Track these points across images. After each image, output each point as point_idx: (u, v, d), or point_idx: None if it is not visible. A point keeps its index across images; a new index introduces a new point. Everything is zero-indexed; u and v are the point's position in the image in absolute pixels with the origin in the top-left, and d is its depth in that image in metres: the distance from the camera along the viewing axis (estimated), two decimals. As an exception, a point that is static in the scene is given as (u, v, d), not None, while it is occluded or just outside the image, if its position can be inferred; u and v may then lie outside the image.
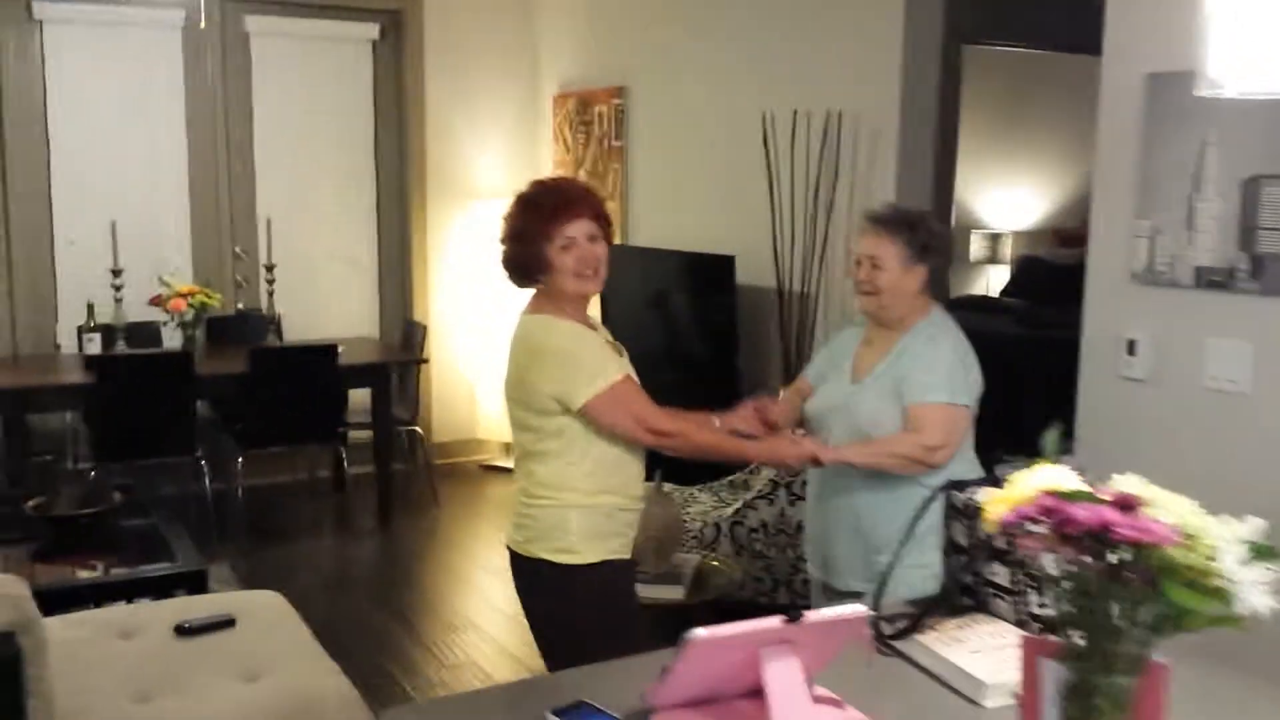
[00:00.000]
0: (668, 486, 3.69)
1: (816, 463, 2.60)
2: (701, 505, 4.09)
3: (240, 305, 6.21)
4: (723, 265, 4.73)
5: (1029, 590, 1.75)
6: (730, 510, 3.87)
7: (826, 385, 2.81)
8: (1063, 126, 8.10)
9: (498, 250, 2.54)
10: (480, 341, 6.75)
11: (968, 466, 2.66)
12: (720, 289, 4.75)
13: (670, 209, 5.61)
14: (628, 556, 2.61)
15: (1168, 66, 2.98)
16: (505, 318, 6.50)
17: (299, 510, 6.10)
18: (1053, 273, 7.58)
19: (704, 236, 5.14)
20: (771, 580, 3.90)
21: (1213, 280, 2.89)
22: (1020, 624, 1.79)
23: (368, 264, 6.77)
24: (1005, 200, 8.59)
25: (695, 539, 3.81)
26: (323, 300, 6.58)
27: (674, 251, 5.18)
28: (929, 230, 2.68)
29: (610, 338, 2.66)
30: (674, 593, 3.47)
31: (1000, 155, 8.30)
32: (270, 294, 5.66)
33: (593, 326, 2.60)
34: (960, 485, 1.89)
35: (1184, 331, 3.00)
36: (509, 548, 2.58)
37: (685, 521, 3.74)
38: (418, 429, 6.04)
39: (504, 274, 2.63)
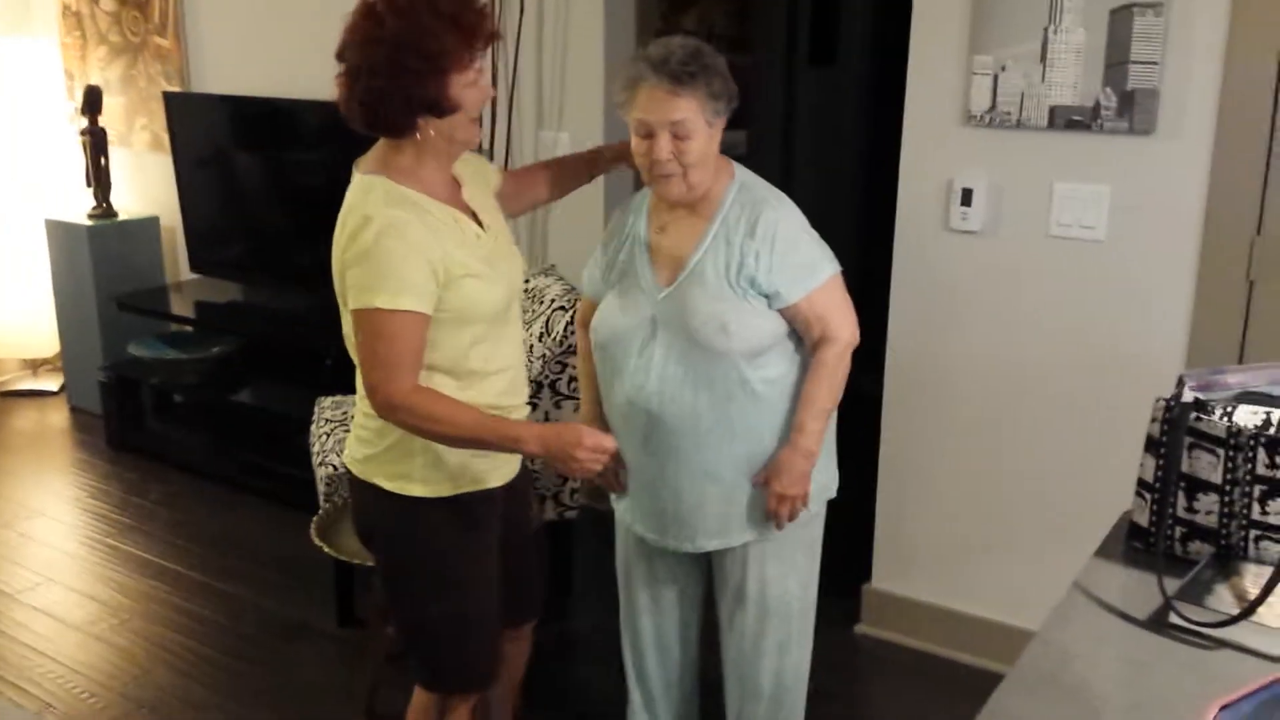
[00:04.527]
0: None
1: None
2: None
3: None
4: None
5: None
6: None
7: (623, 299, 2.16)
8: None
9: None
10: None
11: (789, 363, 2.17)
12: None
13: (289, 46, 4.42)
14: (490, 486, 2.06)
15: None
16: (11, 191, 5.03)
17: None
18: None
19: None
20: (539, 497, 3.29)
21: (1072, 120, 2.69)
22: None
23: None
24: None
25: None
26: None
27: (300, 101, 4.13)
28: (721, 68, 2.06)
29: (488, 202, 2.08)
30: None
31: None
32: None
33: (455, 185, 2.01)
34: (1204, 405, 1.48)
35: (1029, 177, 2.80)
36: (345, 464, 2.09)
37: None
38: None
39: (355, 119, 1.89)
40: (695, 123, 2.00)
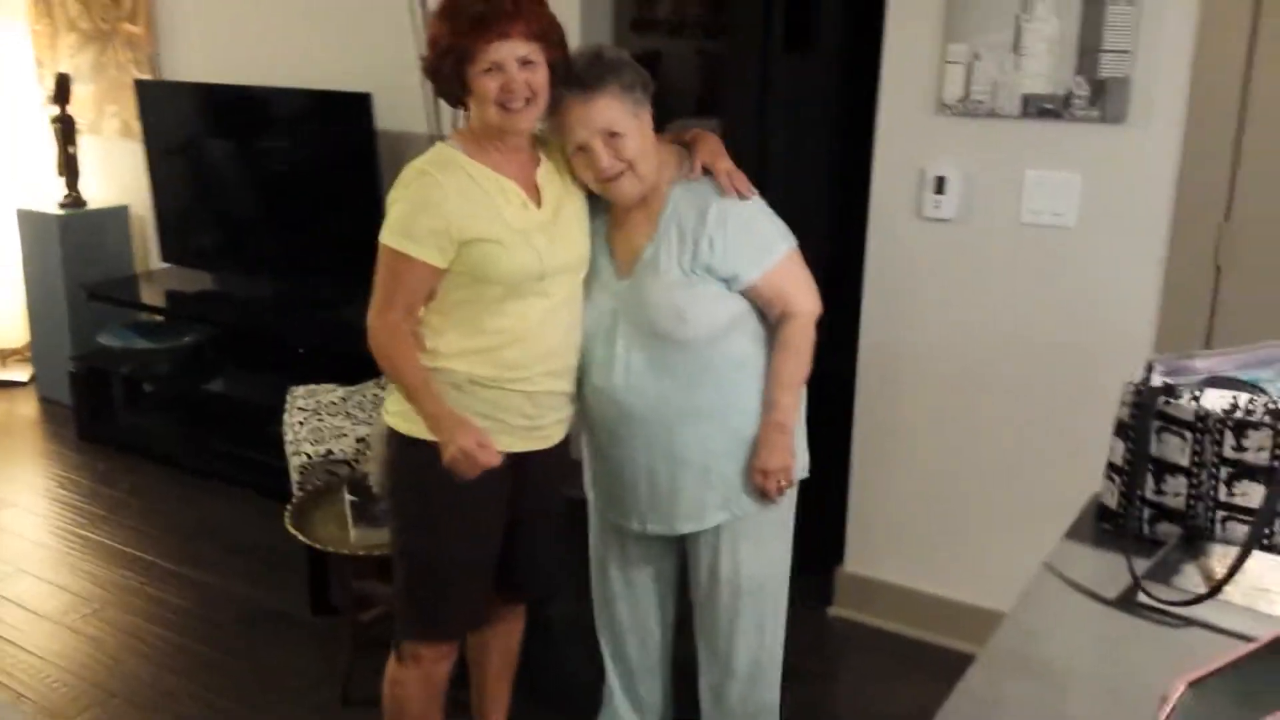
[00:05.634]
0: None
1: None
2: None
3: None
4: (353, 106, 3.80)
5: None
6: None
7: (587, 292, 2.17)
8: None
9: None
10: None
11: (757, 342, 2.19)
12: (351, 136, 3.84)
13: (262, 34, 4.40)
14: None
15: None
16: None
17: None
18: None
19: (319, 70, 4.09)
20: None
21: (1044, 108, 2.71)
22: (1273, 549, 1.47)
23: None
24: None
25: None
26: None
27: (273, 89, 4.11)
28: (627, 60, 2.07)
29: (568, 185, 2.14)
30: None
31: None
32: None
33: (530, 162, 2.10)
34: (1172, 389, 1.49)
35: (1001, 165, 2.81)
36: None
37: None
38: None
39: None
40: (621, 120, 2.02)
